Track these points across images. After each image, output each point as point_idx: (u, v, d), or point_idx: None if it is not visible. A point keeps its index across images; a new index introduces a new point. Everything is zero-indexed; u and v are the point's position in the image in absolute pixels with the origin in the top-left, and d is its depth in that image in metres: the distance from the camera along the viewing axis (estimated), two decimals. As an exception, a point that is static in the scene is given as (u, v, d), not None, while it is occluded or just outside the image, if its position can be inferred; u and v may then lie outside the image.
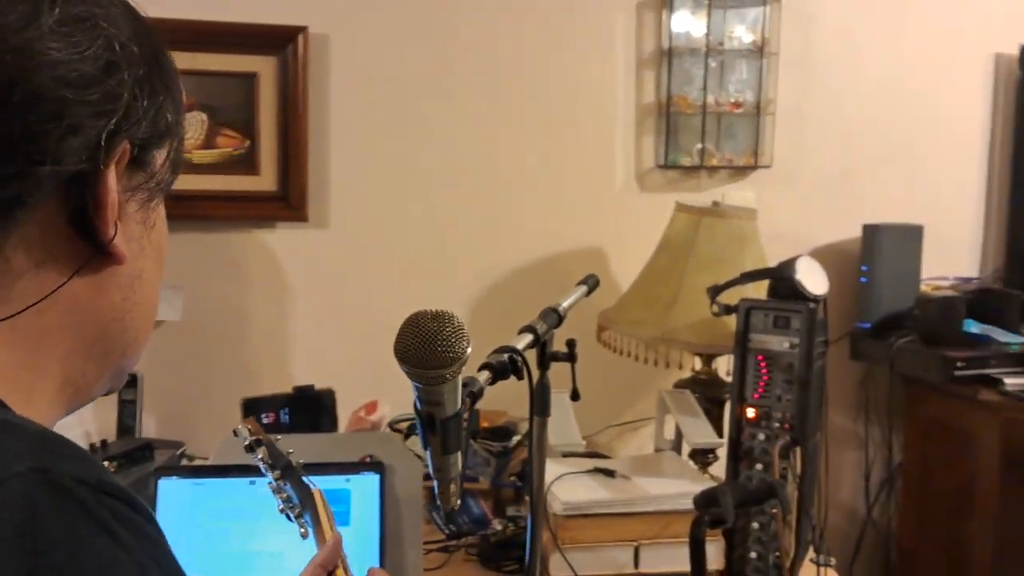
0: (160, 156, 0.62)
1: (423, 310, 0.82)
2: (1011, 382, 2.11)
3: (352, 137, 2.22)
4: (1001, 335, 2.23)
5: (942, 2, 2.51)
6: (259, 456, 1.17)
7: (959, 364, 2.15)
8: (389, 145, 2.24)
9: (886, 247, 2.39)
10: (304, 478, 1.16)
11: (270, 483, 1.16)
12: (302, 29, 2.12)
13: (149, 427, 2.07)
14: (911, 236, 2.40)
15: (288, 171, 2.15)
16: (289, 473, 1.17)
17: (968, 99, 2.57)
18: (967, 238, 2.61)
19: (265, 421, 1.78)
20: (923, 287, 2.42)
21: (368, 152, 2.23)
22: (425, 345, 0.81)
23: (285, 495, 1.16)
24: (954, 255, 2.56)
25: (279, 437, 1.20)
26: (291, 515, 1.16)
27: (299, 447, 1.19)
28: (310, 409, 1.89)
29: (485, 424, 2.00)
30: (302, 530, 1.14)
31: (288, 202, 2.16)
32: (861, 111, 2.49)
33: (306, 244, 2.21)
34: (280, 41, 2.11)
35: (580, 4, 2.31)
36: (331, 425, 1.90)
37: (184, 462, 1.87)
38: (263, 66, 2.11)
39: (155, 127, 0.60)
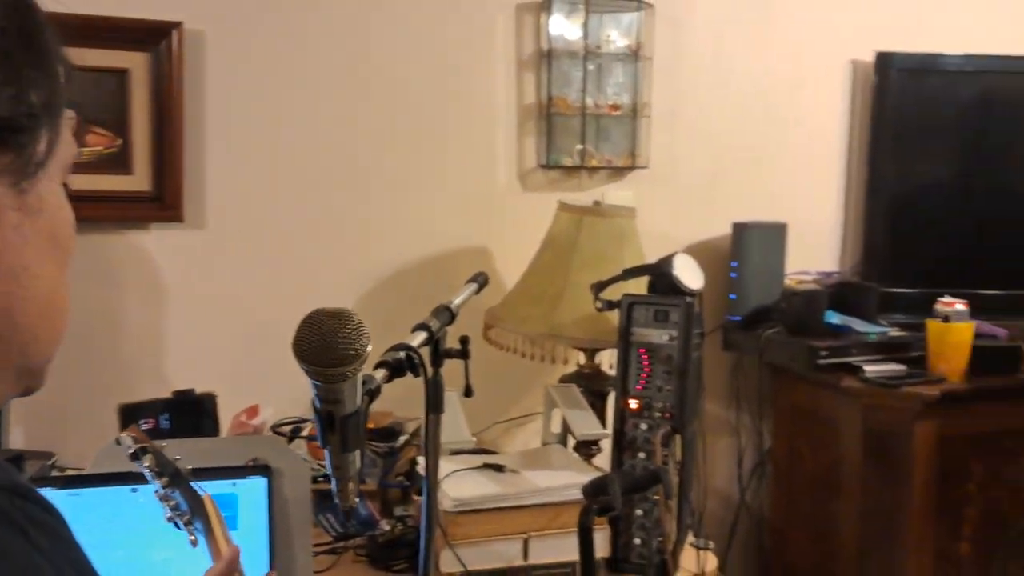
0: (30, 137, 0.58)
1: (322, 308, 0.82)
2: (871, 369, 2.23)
3: (228, 136, 2.17)
4: (860, 325, 2.36)
5: (803, 12, 2.64)
6: (145, 464, 1.13)
7: (822, 353, 2.25)
8: (267, 144, 2.20)
9: (754, 244, 2.49)
10: (193, 484, 1.14)
11: (157, 491, 1.13)
12: (176, 25, 2.05)
13: (16, 438, 1.97)
14: (776, 233, 2.52)
15: (162, 170, 2.08)
16: (178, 480, 1.14)
17: (827, 103, 2.72)
18: (827, 235, 2.75)
19: (144, 427, 1.72)
20: (788, 281, 2.54)
21: (245, 151, 2.19)
22: (325, 343, 0.81)
23: (173, 503, 1.13)
24: (815, 251, 2.70)
25: (165, 444, 1.17)
26: (180, 523, 1.13)
27: (183, 452, 1.17)
28: (191, 414, 1.84)
29: (371, 425, 1.99)
30: (191, 538, 1.12)
31: (163, 202, 2.09)
32: (729, 115, 2.60)
33: (182, 245, 2.15)
34: (153, 37, 2.04)
35: (461, 4, 2.33)
36: (213, 430, 1.86)
37: (56, 473, 1.79)
38: (135, 62, 2.04)
39: (17, 106, 0.56)
